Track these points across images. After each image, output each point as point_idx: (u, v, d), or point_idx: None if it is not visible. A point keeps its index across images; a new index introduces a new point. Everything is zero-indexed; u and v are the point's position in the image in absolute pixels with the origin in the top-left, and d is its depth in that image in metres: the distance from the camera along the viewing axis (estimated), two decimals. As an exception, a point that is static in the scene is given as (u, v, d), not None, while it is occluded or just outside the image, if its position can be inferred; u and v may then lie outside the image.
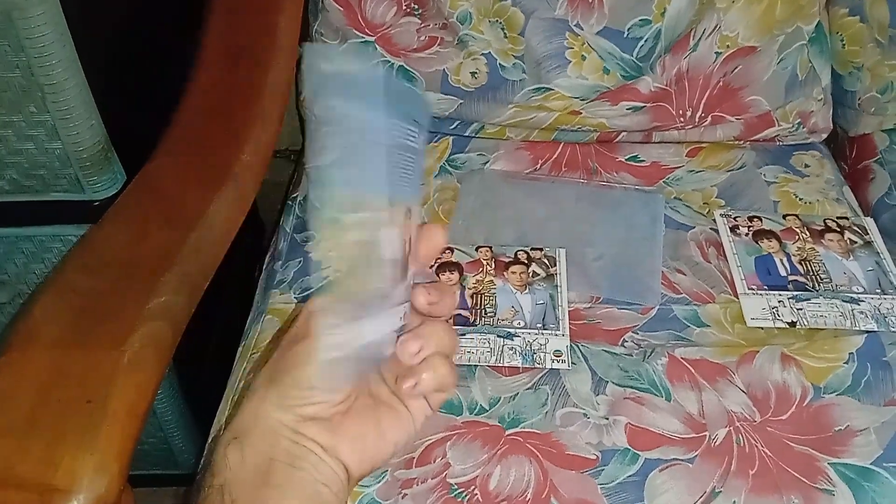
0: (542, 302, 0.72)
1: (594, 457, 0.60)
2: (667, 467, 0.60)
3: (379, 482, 0.59)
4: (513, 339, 0.69)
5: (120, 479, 0.45)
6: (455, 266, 0.76)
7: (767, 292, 0.73)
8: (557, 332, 0.70)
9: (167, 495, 1.02)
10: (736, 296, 0.73)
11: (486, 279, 0.75)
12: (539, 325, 0.70)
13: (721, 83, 0.87)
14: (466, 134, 0.91)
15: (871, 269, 0.75)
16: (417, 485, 0.59)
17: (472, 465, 0.60)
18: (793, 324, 0.70)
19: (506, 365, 0.67)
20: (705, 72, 0.86)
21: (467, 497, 0.58)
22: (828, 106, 0.91)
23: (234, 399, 0.67)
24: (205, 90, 0.74)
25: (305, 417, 0.41)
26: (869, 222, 0.81)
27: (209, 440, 0.64)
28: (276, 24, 0.79)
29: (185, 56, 0.77)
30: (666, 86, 0.87)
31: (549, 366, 0.67)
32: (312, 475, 0.41)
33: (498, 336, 0.69)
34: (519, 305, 0.72)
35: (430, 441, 0.61)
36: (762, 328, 0.70)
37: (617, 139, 0.90)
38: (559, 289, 0.73)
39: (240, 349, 0.72)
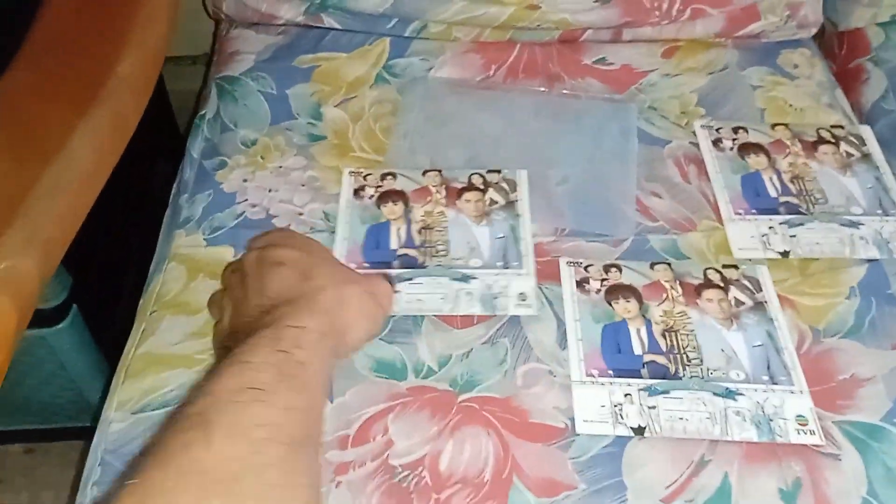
0: (501, 235, 0.61)
1: (563, 425, 0.51)
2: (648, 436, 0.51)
3: (309, 463, 0.49)
4: (469, 283, 0.58)
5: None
6: (399, 195, 0.64)
7: (757, 217, 0.63)
8: (521, 271, 0.59)
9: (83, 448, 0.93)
10: (720, 222, 0.63)
11: (436, 210, 0.63)
12: (500, 264, 0.59)
13: (702, -32, 0.74)
14: (406, 35, 0.77)
15: (870, 185, 0.66)
16: (354, 469, 0.49)
17: (419, 441, 0.50)
18: (785, 254, 0.61)
19: (461, 314, 0.56)
20: (684, -45, 0.74)
21: (414, 481, 0.48)
22: (819, -6, 0.79)
23: (134, 352, 0.56)
24: (73, -16, 0.59)
25: None
26: (866, 131, 0.71)
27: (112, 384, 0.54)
28: None
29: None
30: (638, -29, 0.74)
31: (511, 312, 0.56)
32: None
33: (452, 279, 0.58)
34: (476, 241, 0.61)
35: (369, 414, 0.51)
36: (751, 259, 0.61)
37: (582, 38, 0.78)
38: (521, 218, 0.62)
39: (141, 302, 0.60)
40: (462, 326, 0.56)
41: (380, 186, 0.64)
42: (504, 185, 0.65)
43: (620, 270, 0.59)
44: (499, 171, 0.66)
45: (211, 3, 0.81)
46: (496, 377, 0.53)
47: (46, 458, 0.98)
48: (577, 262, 0.60)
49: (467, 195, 0.64)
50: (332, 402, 0.51)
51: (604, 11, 0.75)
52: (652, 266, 0.60)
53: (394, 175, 0.65)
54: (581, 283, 0.58)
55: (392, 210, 0.63)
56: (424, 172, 0.66)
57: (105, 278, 0.89)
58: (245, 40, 0.77)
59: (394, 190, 0.64)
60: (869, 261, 0.61)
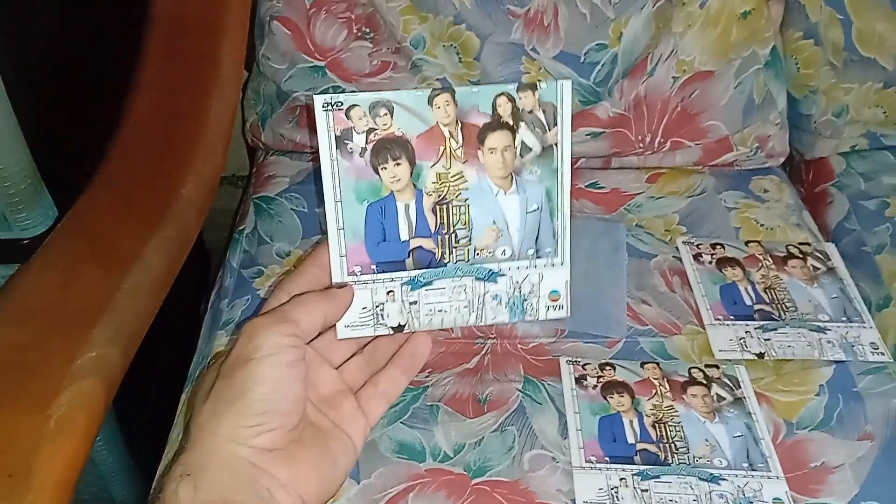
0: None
1: (566, 506, 0.57)
2: (641, 513, 0.57)
3: (337, 540, 0.55)
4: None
5: (45, 562, 0.40)
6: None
7: (734, 322, 0.71)
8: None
9: (107, 548, 0.95)
10: (702, 326, 0.71)
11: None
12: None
13: (679, 108, 0.86)
14: (422, 161, 0.88)
15: (835, 296, 0.74)
16: (379, 543, 0.55)
17: (437, 518, 0.56)
18: (761, 355, 0.68)
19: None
20: (663, 97, 0.85)
21: (432, 555, 0.54)
22: (784, 130, 0.90)
23: (177, 450, 0.62)
24: (142, 119, 0.69)
25: (262, 449, 0.39)
26: (830, 248, 0.80)
27: (154, 485, 0.59)
28: (219, 48, 0.75)
29: (122, 83, 0.73)
30: (624, 111, 0.85)
31: None
32: None
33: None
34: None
35: (392, 493, 0.57)
36: (730, 360, 0.68)
37: (576, 166, 0.88)
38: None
39: (183, 396, 0.67)
40: (474, 416, 0.63)
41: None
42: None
43: (614, 369, 0.66)
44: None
45: (250, 134, 0.92)
46: (505, 463, 0.60)
47: (66, 556, 1.00)
48: (575, 361, 0.67)
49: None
50: (359, 483, 0.58)
51: (595, 143, 0.86)
52: (642, 365, 0.67)
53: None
54: (579, 380, 0.65)
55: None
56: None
57: (134, 376, 0.96)
58: (280, 165, 0.88)
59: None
60: (836, 362, 0.68)
